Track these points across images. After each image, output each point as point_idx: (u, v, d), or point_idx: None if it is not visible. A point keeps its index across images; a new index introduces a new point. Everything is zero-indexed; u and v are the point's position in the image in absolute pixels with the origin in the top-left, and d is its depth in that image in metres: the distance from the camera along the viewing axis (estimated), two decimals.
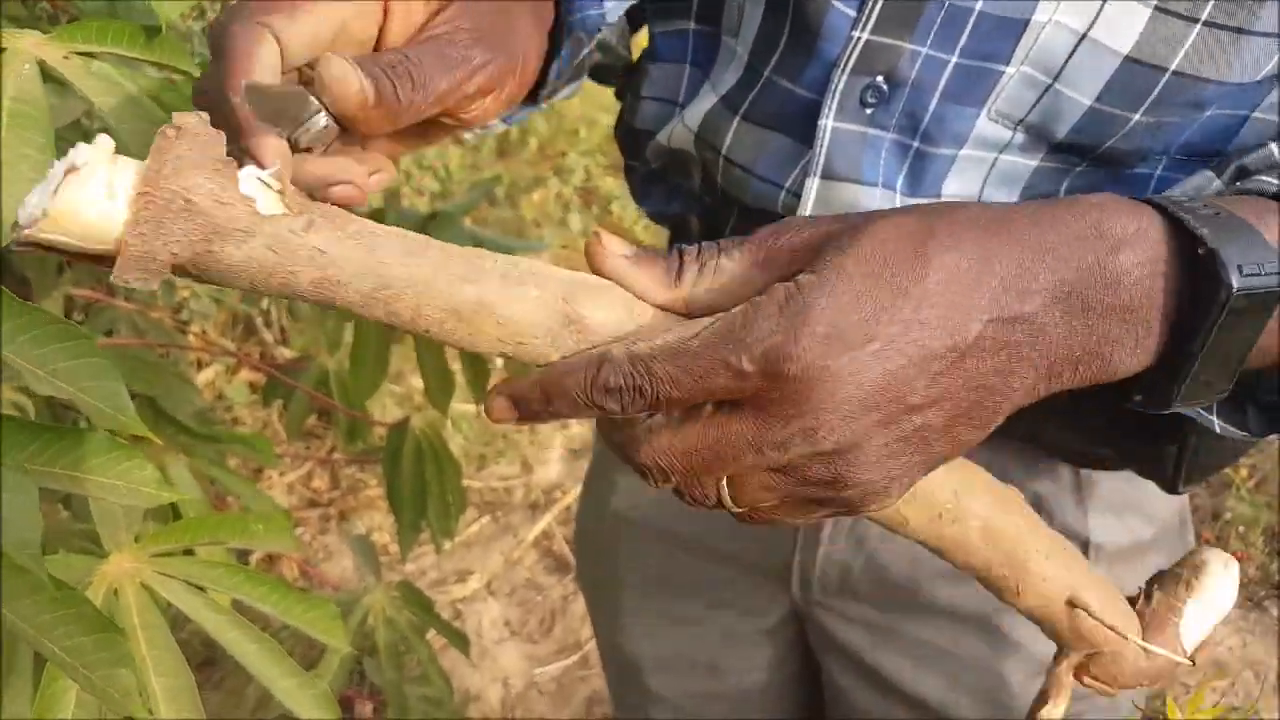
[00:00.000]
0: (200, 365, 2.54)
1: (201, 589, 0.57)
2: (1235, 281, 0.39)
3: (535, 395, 0.42)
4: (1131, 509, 0.72)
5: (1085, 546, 0.71)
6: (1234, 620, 2.10)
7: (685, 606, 0.89)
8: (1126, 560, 0.73)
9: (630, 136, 0.73)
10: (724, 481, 0.42)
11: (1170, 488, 0.53)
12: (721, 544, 0.83)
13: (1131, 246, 0.41)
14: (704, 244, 0.43)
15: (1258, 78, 0.50)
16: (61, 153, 0.32)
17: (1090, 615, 0.51)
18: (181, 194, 0.33)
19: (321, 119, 0.41)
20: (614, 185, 3.27)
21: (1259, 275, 0.40)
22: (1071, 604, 0.52)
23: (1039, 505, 0.70)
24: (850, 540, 0.76)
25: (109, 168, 0.32)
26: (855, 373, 0.38)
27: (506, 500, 2.48)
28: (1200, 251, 0.40)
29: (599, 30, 0.60)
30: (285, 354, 2.46)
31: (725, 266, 0.42)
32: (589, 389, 0.40)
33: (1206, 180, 0.55)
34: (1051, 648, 0.76)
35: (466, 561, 2.31)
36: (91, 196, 0.32)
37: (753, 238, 0.42)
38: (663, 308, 0.43)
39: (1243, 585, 2.15)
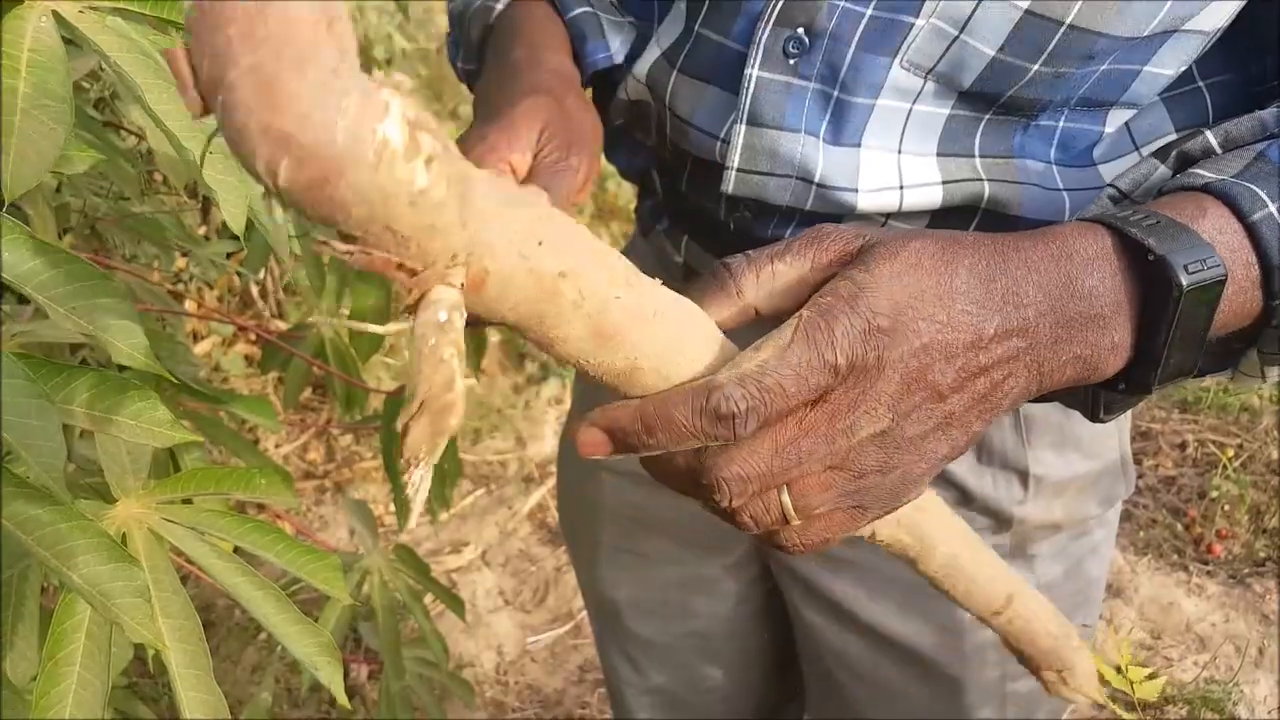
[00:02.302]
0: (196, 338, 2.55)
1: (208, 537, 0.59)
2: (1184, 280, 0.45)
3: (635, 428, 0.43)
4: (1071, 446, 0.76)
5: (1025, 477, 0.75)
6: (1217, 596, 2.13)
7: (656, 546, 0.92)
8: (1064, 493, 0.77)
9: (598, 92, 0.76)
10: (785, 493, 0.45)
11: (1091, 416, 0.56)
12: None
13: (1096, 265, 0.46)
14: (752, 252, 0.47)
15: (1143, 34, 0.54)
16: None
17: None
18: None
19: None
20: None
21: (1202, 270, 0.45)
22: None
23: (981, 441, 0.74)
24: None
25: None
26: (904, 361, 0.43)
27: (501, 473, 2.50)
28: (1150, 259, 0.46)
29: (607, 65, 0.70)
30: (281, 327, 2.48)
31: (780, 271, 0.46)
32: (698, 418, 0.42)
33: (1151, 168, 0.59)
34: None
35: (462, 533, 2.33)
36: None
37: (797, 242, 0.47)
38: (734, 320, 0.47)
39: (1227, 562, 2.19)
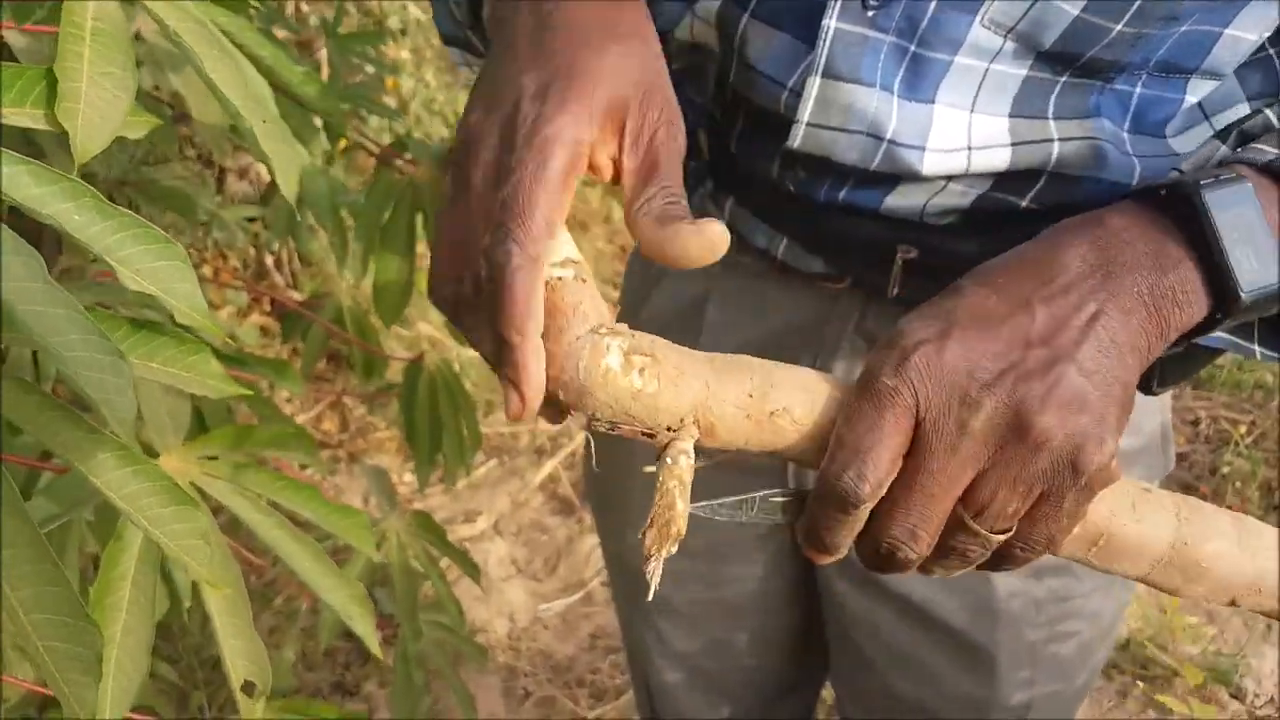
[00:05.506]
0: (212, 308, 2.57)
1: (246, 492, 0.61)
2: (1204, 192, 0.47)
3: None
4: None
5: None
6: None
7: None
8: None
9: None
10: (970, 521, 0.46)
11: (1145, 389, 0.56)
12: (721, 455, 0.86)
13: (1124, 212, 0.49)
14: None
15: None
16: None
17: None
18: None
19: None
20: None
21: (1217, 180, 0.48)
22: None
23: None
24: None
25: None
26: (963, 333, 0.45)
27: (513, 445, 2.53)
28: (1168, 190, 0.49)
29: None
30: (296, 298, 2.50)
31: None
32: (830, 509, 0.48)
33: (1214, 149, 0.59)
34: (1045, 557, 0.79)
35: (475, 502, 2.36)
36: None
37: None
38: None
39: None
